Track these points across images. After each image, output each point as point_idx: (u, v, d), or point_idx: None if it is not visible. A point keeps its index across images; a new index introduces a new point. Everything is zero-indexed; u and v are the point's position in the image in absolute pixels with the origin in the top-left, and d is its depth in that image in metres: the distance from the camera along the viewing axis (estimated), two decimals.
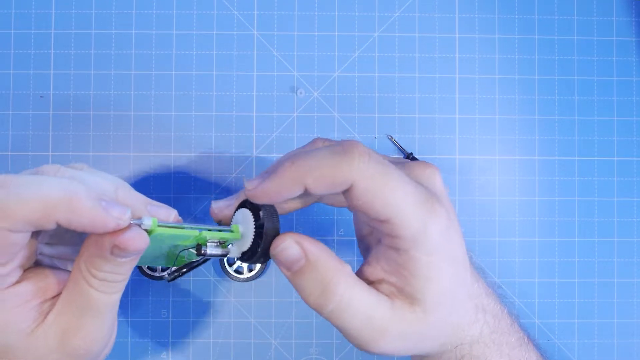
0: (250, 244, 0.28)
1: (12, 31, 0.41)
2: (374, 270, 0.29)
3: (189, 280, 0.41)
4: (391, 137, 0.41)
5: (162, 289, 0.41)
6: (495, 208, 0.41)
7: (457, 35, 0.42)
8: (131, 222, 0.25)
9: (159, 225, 0.26)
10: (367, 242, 0.31)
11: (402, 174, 0.27)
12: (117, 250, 0.25)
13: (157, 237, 0.26)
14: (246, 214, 0.29)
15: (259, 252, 0.28)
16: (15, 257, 0.25)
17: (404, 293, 0.28)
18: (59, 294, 0.27)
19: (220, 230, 0.28)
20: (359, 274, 0.29)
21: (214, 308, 0.41)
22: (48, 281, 0.27)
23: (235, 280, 0.41)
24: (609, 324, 0.41)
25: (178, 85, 0.41)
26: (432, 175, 0.29)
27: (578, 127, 0.42)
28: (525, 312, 0.41)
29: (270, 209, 0.28)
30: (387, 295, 0.28)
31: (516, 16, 0.42)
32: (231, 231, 0.29)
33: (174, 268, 0.40)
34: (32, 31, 0.41)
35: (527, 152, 0.42)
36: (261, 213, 0.28)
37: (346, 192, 0.26)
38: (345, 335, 0.28)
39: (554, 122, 0.42)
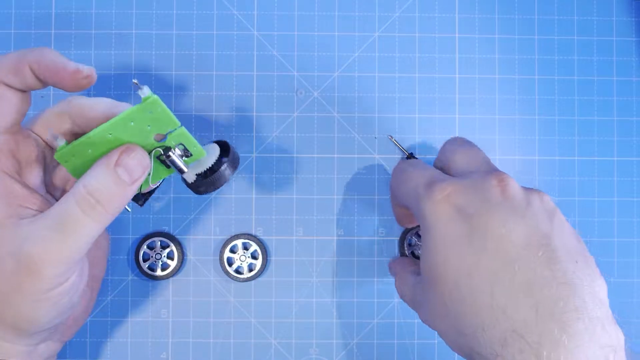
0: (204, 170, 0.31)
1: (13, 31, 0.41)
2: None
3: (189, 280, 0.41)
4: (391, 137, 0.41)
5: (162, 289, 0.41)
6: None
7: (457, 36, 0.42)
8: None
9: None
10: None
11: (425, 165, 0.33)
12: (124, 157, 0.28)
13: (149, 109, 0.28)
14: (215, 148, 0.31)
15: (207, 180, 0.30)
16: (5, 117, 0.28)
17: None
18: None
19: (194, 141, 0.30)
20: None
21: (214, 308, 0.41)
22: (35, 197, 0.28)
23: (235, 280, 0.41)
24: None
25: (178, 85, 0.41)
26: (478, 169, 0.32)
27: (578, 127, 0.42)
28: None
29: (236, 158, 0.32)
30: None
31: (516, 16, 0.42)
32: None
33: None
34: (32, 31, 0.41)
35: (527, 152, 0.42)
36: (230, 152, 0.31)
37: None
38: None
39: (554, 122, 0.42)
